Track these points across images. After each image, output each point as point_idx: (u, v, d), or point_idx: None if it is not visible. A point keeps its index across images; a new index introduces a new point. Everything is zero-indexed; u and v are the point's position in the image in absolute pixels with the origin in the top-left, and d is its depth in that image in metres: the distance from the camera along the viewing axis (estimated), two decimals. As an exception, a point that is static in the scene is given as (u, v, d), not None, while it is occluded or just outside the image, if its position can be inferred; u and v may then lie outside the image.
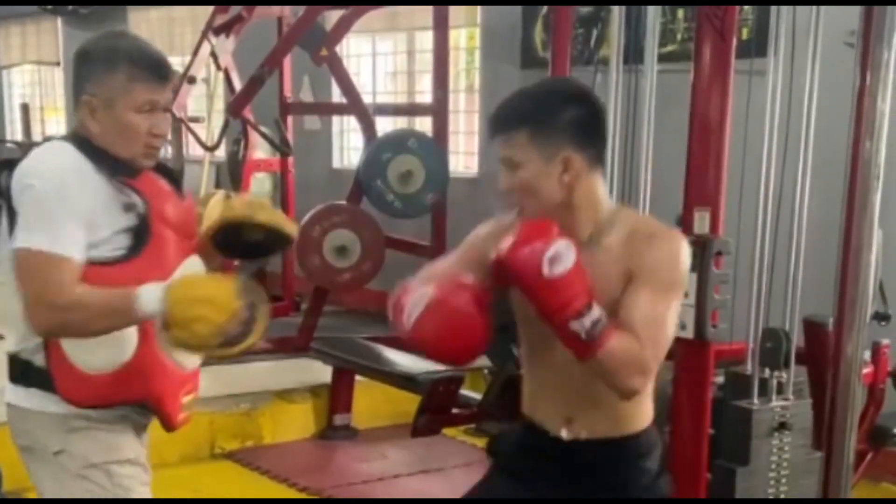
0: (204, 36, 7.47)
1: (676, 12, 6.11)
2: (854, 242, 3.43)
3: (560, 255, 2.11)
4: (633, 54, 3.69)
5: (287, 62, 7.43)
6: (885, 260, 3.62)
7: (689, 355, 3.32)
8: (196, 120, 8.59)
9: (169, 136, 9.57)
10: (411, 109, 7.96)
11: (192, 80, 7.54)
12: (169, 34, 10.75)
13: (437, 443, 5.36)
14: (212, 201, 8.08)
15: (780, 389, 3.45)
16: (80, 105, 2.45)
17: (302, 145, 8.08)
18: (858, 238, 3.42)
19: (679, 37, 6.07)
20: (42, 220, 2.31)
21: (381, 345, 5.81)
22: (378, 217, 6.55)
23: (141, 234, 2.41)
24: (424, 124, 7.16)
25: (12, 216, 2.37)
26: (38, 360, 2.41)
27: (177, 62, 10.25)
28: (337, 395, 5.93)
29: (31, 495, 2.75)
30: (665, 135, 3.63)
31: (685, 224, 3.30)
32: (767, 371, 3.43)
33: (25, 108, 12.34)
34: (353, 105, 6.83)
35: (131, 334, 2.39)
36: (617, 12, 3.72)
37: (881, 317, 3.93)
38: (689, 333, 3.26)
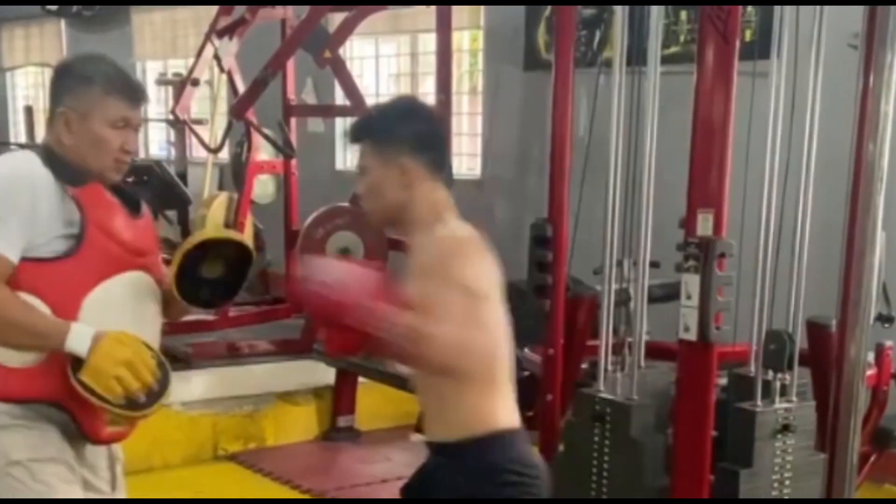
0: (207, 38, 7.47)
1: (679, 14, 6.11)
2: (857, 244, 3.43)
3: (338, 268, 2.45)
4: (637, 56, 3.69)
5: (290, 64, 7.42)
6: (888, 262, 3.61)
7: (692, 357, 3.32)
8: (199, 122, 8.59)
9: (172, 139, 9.59)
10: (414, 111, 7.95)
11: (195, 83, 7.55)
12: (172, 36, 10.76)
13: (441, 445, 5.36)
14: (215, 203, 8.13)
15: (784, 391, 3.45)
16: (56, 117, 2.59)
17: (305, 147, 8.08)
18: (862, 240, 3.42)
19: (682, 38, 6.07)
20: None
21: (385, 347, 5.80)
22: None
23: (77, 239, 2.50)
24: (427, 126, 7.15)
25: None
26: None
27: (180, 65, 10.30)
28: (340, 397, 5.93)
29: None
30: (668, 136, 3.63)
31: (688, 226, 3.30)
32: (771, 373, 3.43)
33: (29, 111, 12.34)
34: (357, 107, 6.82)
35: None
36: (620, 14, 3.72)
37: (884, 319, 3.93)
38: (692, 335, 3.27)
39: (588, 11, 6.52)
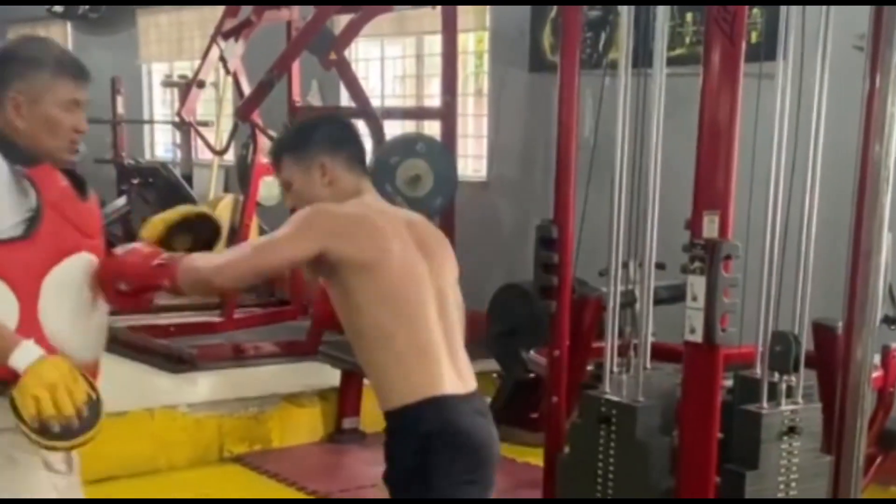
0: (213, 40, 7.50)
1: (685, 15, 6.11)
2: (864, 246, 3.42)
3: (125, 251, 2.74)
4: (642, 58, 3.68)
5: (296, 66, 7.44)
6: (894, 263, 3.60)
7: (697, 359, 3.31)
8: (205, 124, 8.61)
9: (178, 141, 9.61)
10: (420, 113, 7.97)
11: (201, 85, 7.57)
12: (178, 38, 10.78)
13: (446, 446, 5.35)
14: (221, 205, 8.13)
15: (790, 393, 3.44)
16: (5, 102, 2.58)
17: (310, 149, 8.08)
18: (868, 241, 3.41)
19: (688, 40, 6.07)
20: None
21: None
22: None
23: (34, 221, 2.51)
24: (433, 128, 7.17)
25: None
26: None
27: (186, 66, 10.32)
28: (345, 399, 5.93)
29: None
30: (673, 138, 3.63)
31: (694, 227, 3.30)
32: (777, 375, 3.42)
33: (35, 112, 12.36)
34: (362, 109, 6.84)
35: (12, 309, 2.45)
36: (626, 16, 3.71)
37: (891, 320, 3.92)
38: (698, 337, 3.26)
39: (594, 13, 6.52)
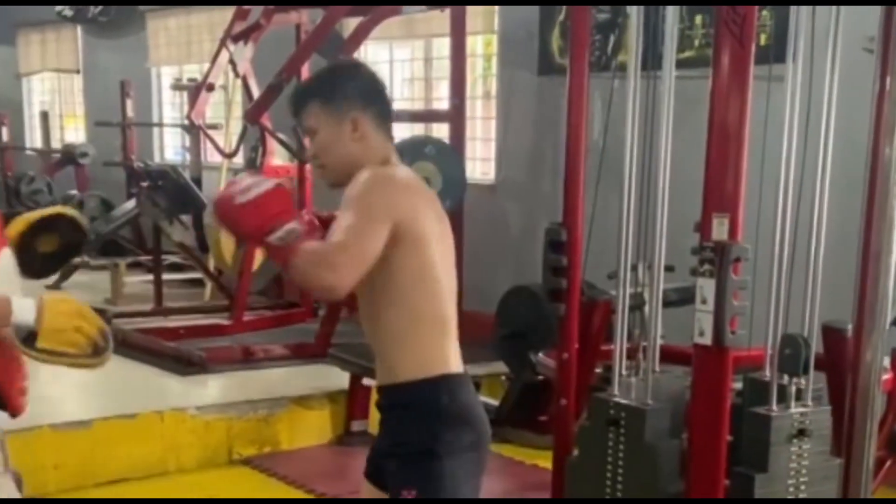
0: (222, 43, 7.52)
1: (694, 18, 6.10)
2: (873, 248, 3.42)
3: (251, 186, 2.55)
4: (651, 60, 3.68)
5: (305, 69, 7.45)
6: (904, 266, 3.60)
7: (707, 361, 3.31)
8: (214, 127, 8.63)
9: (187, 144, 9.63)
10: (428, 116, 7.97)
11: (210, 88, 7.59)
12: (187, 42, 10.80)
13: (455, 449, 5.35)
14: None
15: (799, 396, 3.43)
16: None
17: (319, 152, 8.09)
18: (878, 243, 3.41)
19: (697, 43, 6.07)
20: None
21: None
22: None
23: None
24: (441, 131, 7.17)
25: None
26: None
27: (195, 70, 10.34)
28: (354, 401, 5.93)
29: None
30: (683, 140, 3.63)
31: (703, 230, 3.29)
32: (786, 377, 3.42)
33: (45, 116, 12.41)
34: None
35: None
36: (635, 18, 3.71)
37: (901, 323, 3.91)
38: (707, 340, 3.26)
39: (602, 16, 6.52)
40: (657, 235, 3.60)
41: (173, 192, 8.06)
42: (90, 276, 9.64)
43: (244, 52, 7.38)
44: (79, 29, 12.59)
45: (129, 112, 10.54)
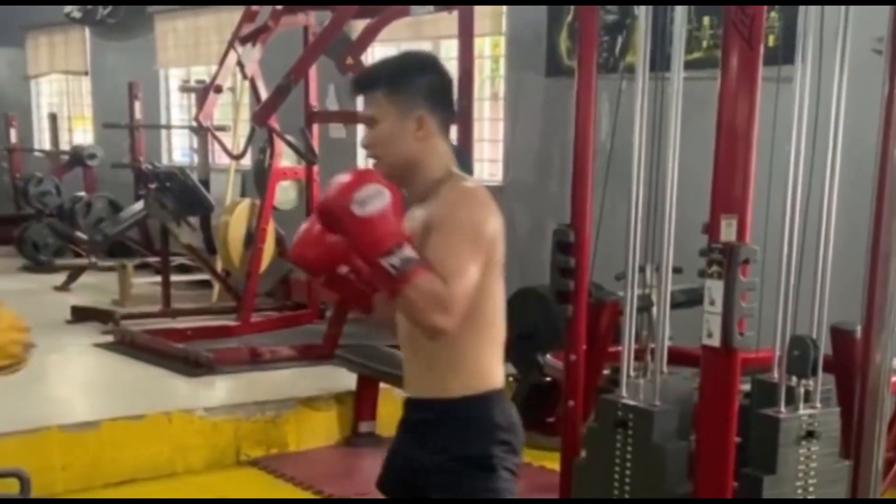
0: (230, 45, 7.53)
1: (702, 19, 6.10)
2: (882, 249, 3.41)
3: (371, 197, 2.33)
4: (660, 61, 3.68)
5: (313, 71, 7.46)
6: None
7: (715, 363, 3.31)
8: (222, 129, 8.64)
9: (195, 145, 9.66)
10: (436, 118, 7.95)
11: (218, 90, 7.60)
12: (195, 44, 10.82)
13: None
14: (237, 209, 8.16)
15: (808, 397, 3.42)
16: None
17: (327, 154, 8.11)
18: (887, 244, 3.40)
19: (705, 44, 6.06)
20: None
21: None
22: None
23: None
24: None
25: None
26: None
27: (203, 71, 10.36)
28: (361, 403, 5.94)
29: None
30: (691, 142, 3.62)
31: (712, 231, 3.29)
32: (795, 379, 3.41)
33: (53, 118, 12.45)
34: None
35: None
36: (643, 19, 3.71)
37: (909, 324, 3.90)
38: (715, 341, 3.25)
39: (610, 17, 6.52)
40: (665, 237, 3.60)
41: (181, 193, 8.07)
42: (98, 277, 9.66)
43: (252, 54, 7.39)
44: (87, 31, 12.62)
45: (137, 114, 10.57)
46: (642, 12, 3.72)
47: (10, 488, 3.25)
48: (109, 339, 7.37)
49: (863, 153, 3.51)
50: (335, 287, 2.71)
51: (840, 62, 3.34)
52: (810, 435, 3.37)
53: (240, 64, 7.46)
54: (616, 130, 4.20)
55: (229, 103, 9.55)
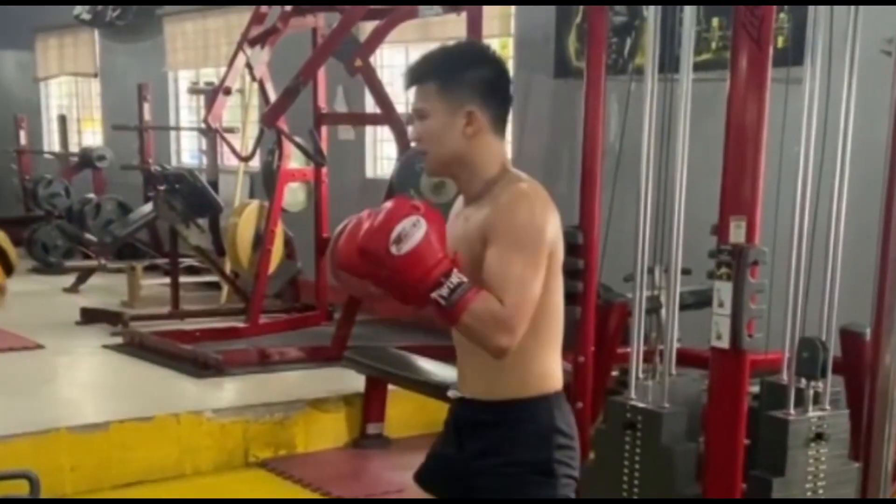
0: (239, 47, 7.53)
1: (711, 21, 6.09)
2: (892, 250, 3.41)
3: (407, 233, 2.25)
4: (668, 63, 3.68)
5: (321, 73, 7.47)
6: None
7: (724, 365, 3.30)
8: (231, 131, 8.65)
9: (204, 147, 9.67)
10: (444, 119, 7.95)
11: (227, 92, 7.61)
12: (204, 46, 10.84)
13: (470, 452, 5.35)
14: (246, 211, 8.19)
15: (817, 399, 3.42)
16: None
17: (336, 155, 8.12)
18: (896, 247, 3.39)
19: (714, 45, 6.05)
20: None
21: (414, 354, 5.81)
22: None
23: None
24: (457, 134, 7.15)
25: None
26: None
27: (211, 73, 10.38)
28: (370, 404, 5.93)
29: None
30: (699, 143, 3.62)
31: (721, 233, 3.28)
32: (804, 381, 3.40)
33: (63, 120, 12.47)
34: (387, 115, 6.85)
35: None
36: (652, 21, 3.71)
37: (919, 327, 3.89)
38: (724, 343, 3.25)
39: (619, 19, 6.52)
40: (674, 238, 3.59)
41: (190, 195, 8.08)
42: (107, 278, 9.68)
43: (261, 56, 7.40)
44: (96, 33, 12.65)
45: (146, 116, 10.59)
46: (651, 13, 3.72)
47: (20, 489, 3.26)
48: (118, 340, 7.38)
49: (872, 154, 3.50)
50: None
51: (849, 63, 3.34)
52: (819, 437, 3.37)
53: (248, 66, 7.47)
54: (625, 132, 4.20)
55: (238, 105, 9.56)
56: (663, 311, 3.77)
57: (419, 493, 2.67)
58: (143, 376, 6.53)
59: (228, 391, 6.32)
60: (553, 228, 2.40)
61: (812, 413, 3.39)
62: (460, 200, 2.59)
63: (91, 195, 10.79)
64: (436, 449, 2.69)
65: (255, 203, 7.93)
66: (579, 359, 4.00)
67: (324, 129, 7.68)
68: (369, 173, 9.05)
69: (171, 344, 6.98)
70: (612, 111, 4.73)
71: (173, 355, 6.81)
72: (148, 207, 9.48)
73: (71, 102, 14.04)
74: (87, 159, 11.24)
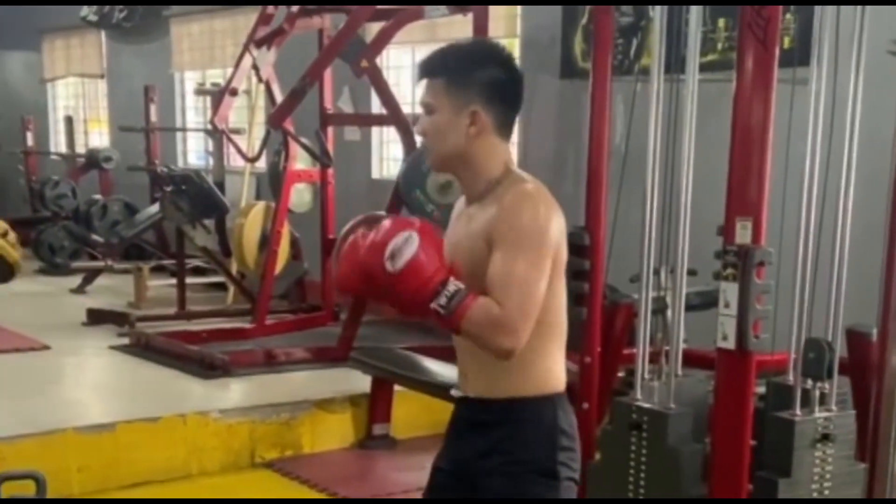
0: (245, 48, 7.54)
1: (717, 21, 6.08)
2: (898, 252, 3.40)
3: (399, 249, 2.30)
4: (674, 64, 3.68)
5: (328, 74, 7.48)
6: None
7: (730, 366, 3.30)
8: (237, 132, 8.66)
9: (210, 148, 9.69)
10: (450, 120, 7.96)
11: (233, 93, 7.62)
12: (210, 47, 10.85)
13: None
14: (252, 212, 8.22)
15: (823, 400, 3.42)
16: None
17: (342, 156, 8.12)
18: (903, 248, 3.39)
19: (720, 46, 6.05)
20: None
21: (420, 355, 5.81)
22: (417, 227, 6.56)
23: None
24: (464, 135, 7.15)
25: None
26: None
27: (218, 74, 10.39)
28: (376, 405, 5.94)
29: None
30: (706, 144, 3.62)
31: (727, 234, 3.28)
32: (810, 382, 3.40)
33: (69, 121, 12.49)
34: (393, 116, 6.86)
35: None
36: (658, 21, 3.71)
37: (926, 327, 3.88)
38: (730, 344, 3.25)
39: (625, 19, 6.52)
40: (680, 239, 3.59)
41: (196, 196, 8.09)
42: (114, 279, 9.70)
43: (267, 57, 7.41)
44: (103, 34, 12.67)
45: (153, 117, 10.60)
46: (657, 14, 3.72)
47: (27, 490, 3.26)
48: (125, 341, 7.39)
49: (878, 155, 3.50)
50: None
51: (856, 64, 3.33)
52: (826, 438, 3.36)
53: (255, 67, 7.47)
54: (631, 132, 4.20)
55: (244, 106, 9.57)
56: (669, 312, 3.77)
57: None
58: (150, 377, 6.54)
59: (235, 392, 6.33)
60: (557, 229, 2.40)
61: (818, 414, 3.39)
62: (462, 200, 2.60)
63: (98, 196, 10.81)
64: (437, 463, 2.68)
65: (261, 204, 7.94)
66: (585, 359, 4.00)
67: (330, 130, 7.69)
68: (375, 174, 9.06)
69: (177, 345, 6.99)
70: (618, 112, 4.73)
71: (180, 356, 6.82)
72: (154, 208, 9.49)
73: (77, 103, 14.06)
74: (93, 160, 11.26)
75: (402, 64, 8.94)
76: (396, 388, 5.89)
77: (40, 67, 14.12)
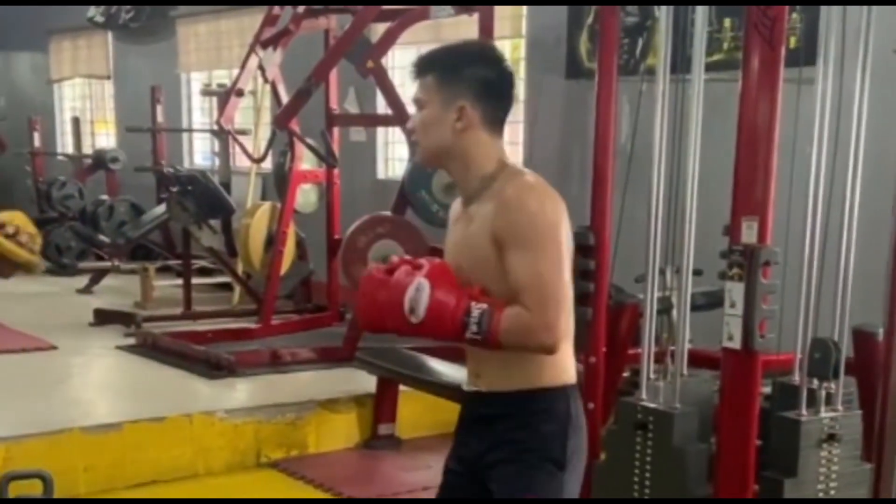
0: (251, 49, 7.55)
1: (723, 21, 6.08)
2: (904, 251, 3.39)
3: (416, 300, 2.41)
4: (680, 63, 3.67)
5: (333, 74, 7.48)
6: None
7: (736, 365, 3.30)
8: (243, 132, 8.67)
9: (217, 149, 9.70)
10: (456, 120, 7.96)
11: (239, 93, 7.63)
12: (216, 47, 10.87)
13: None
14: (258, 212, 8.21)
15: (829, 400, 3.41)
16: None
17: (347, 157, 8.13)
18: (909, 247, 3.38)
19: (725, 45, 6.04)
20: None
21: (425, 355, 5.82)
22: (422, 227, 6.57)
23: None
24: (469, 135, 7.15)
25: None
26: None
27: (224, 75, 10.40)
28: (381, 405, 5.94)
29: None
30: (711, 143, 3.61)
31: (732, 233, 3.28)
32: (816, 381, 3.40)
33: (76, 122, 12.51)
34: (399, 116, 6.85)
35: None
36: (664, 21, 3.71)
37: (932, 327, 3.87)
38: (736, 344, 3.24)
39: (631, 19, 6.51)
40: (685, 239, 3.59)
41: (202, 196, 8.11)
42: (120, 279, 9.72)
43: (273, 58, 7.41)
44: (110, 35, 12.69)
45: (159, 117, 10.61)
46: (663, 14, 3.71)
47: (34, 489, 3.27)
48: (131, 341, 7.41)
49: (885, 154, 3.50)
50: None
51: (862, 63, 3.33)
52: (832, 438, 3.36)
53: (261, 67, 7.48)
54: (636, 132, 4.20)
55: (250, 107, 9.58)
56: (675, 312, 3.76)
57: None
58: (156, 377, 6.55)
59: (241, 392, 6.33)
60: (564, 220, 2.45)
61: (824, 414, 3.38)
62: (458, 203, 2.62)
63: (104, 197, 10.82)
64: (449, 464, 2.69)
65: (267, 204, 7.95)
66: (591, 359, 4.00)
67: (335, 131, 7.69)
68: (381, 174, 9.06)
69: (183, 345, 7.01)
70: (624, 112, 4.72)
71: (186, 356, 6.83)
72: (161, 209, 9.50)
73: (84, 104, 14.08)
74: (100, 161, 11.27)
75: (407, 64, 8.94)
76: (402, 388, 5.89)
77: (47, 68, 14.15)
